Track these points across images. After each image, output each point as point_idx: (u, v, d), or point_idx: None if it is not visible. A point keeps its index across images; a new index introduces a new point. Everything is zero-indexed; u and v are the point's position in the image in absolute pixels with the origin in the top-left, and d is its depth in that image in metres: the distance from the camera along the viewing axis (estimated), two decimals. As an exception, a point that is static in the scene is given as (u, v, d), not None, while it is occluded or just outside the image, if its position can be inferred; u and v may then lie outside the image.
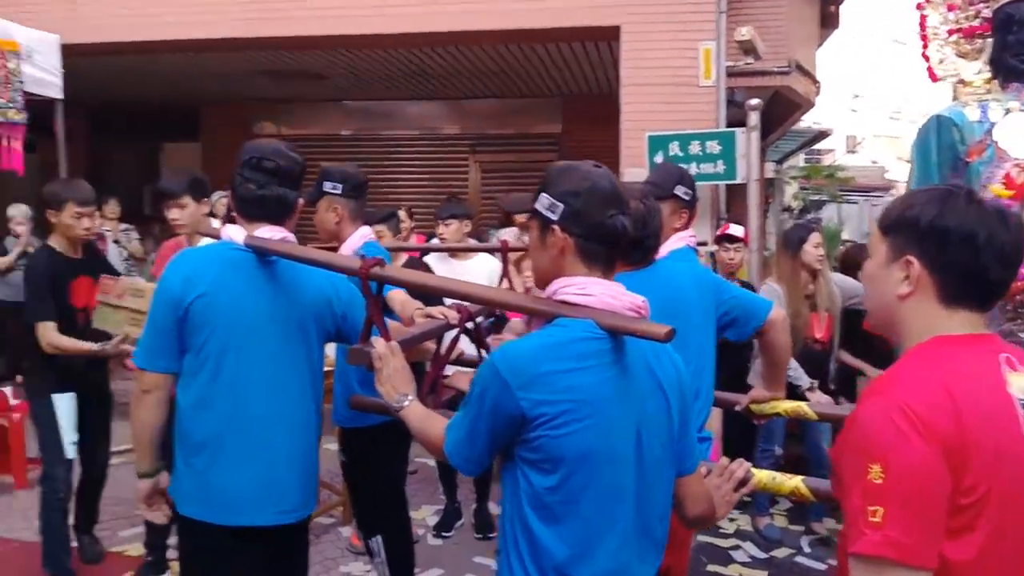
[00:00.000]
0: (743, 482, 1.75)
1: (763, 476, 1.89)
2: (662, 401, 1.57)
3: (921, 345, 1.27)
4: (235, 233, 2.16)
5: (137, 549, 3.97)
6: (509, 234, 5.05)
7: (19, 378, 6.80)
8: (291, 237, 2.22)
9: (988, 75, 3.43)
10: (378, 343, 1.80)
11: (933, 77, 3.74)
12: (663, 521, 1.59)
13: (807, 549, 4.32)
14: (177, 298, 2.07)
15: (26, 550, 3.97)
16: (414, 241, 6.27)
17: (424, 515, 4.56)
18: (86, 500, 3.88)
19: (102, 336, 3.47)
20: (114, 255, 7.14)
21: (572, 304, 1.52)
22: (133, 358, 2.21)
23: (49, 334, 3.42)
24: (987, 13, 3.43)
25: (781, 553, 4.23)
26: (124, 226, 7.72)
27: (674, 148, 6.12)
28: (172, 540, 3.72)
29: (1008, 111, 3.32)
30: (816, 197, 19.00)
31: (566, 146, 9.54)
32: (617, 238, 1.55)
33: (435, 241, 5.87)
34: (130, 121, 10.53)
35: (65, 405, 3.56)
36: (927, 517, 1.09)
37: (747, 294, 2.65)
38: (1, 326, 7.11)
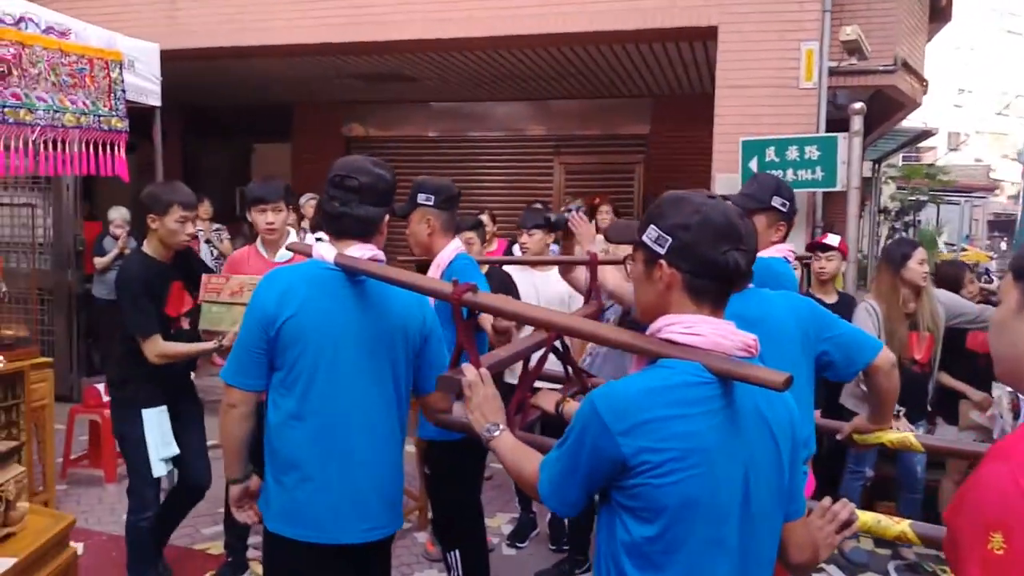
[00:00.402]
0: (846, 523, 1.63)
1: (868, 519, 1.79)
2: (772, 447, 1.47)
3: None
4: (326, 251, 2.16)
5: (218, 548, 4.03)
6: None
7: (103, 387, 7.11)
8: (380, 255, 2.21)
9: None
10: (468, 370, 1.76)
11: None
12: (770, 567, 1.50)
13: (894, 575, 4.16)
14: (270, 317, 2.09)
15: (114, 543, 4.09)
16: (496, 246, 6.23)
17: (499, 523, 4.52)
18: (173, 514, 3.64)
19: (198, 338, 3.40)
20: (205, 255, 7.36)
21: (679, 344, 1.43)
22: (220, 373, 2.22)
23: (158, 347, 3.30)
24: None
25: (867, 578, 4.07)
26: (216, 226, 7.90)
27: (770, 154, 5.89)
28: (252, 540, 3.79)
29: None
30: (914, 198, 18.14)
31: (654, 148, 9.33)
32: (729, 275, 1.45)
33: (516, 248, 5.81)
34: (223, 122, 10.86)
35: (155, 420, 3.39)
36: None
37: (852, 332, 2.40)
38: (96, 323, 7.45)
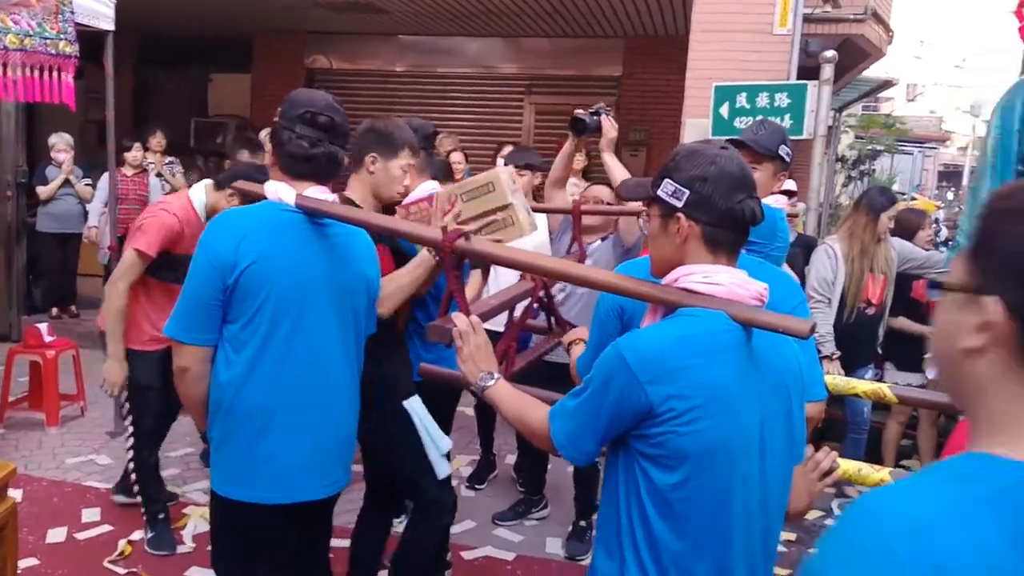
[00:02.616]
0: (828, 472, 1.69)
1: (849, 467, 1.85)
2: (784, 395, 1.50)
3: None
4: (284, 193, 2.02)
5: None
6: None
7: (55, 310, 6.87)
8: (337, 199, 2.14)
9: None
10: (459, 319, 1.72)
11: None
12: (781, 514, 1.54)
13: (838, 512, 4.28)
14: (228, 264, 1.93)
15: (56, 489, 4.03)
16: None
17: (458, 465, 4.50)
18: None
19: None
20: (156, 190, 7.11)
21: (701, 294, 1.46)
22: (165, 329, 2.04)
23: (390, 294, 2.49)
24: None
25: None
26: (169, 159, 7.62)
27: (741, 100, 5.92)
28: (202, 484, 3.78)
29: None
30: (871, 147, 18.41)
31: (626, 90, 9.29)
32: (745, 224, 1.48)
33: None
34: (179, 50, 10.45)
35: (420, 409, 2.71)
36: None
37: (811, 365, 2.13)
38: (39, 257, 7.20)
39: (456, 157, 6.07)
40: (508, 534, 3.84)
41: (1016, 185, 0.84)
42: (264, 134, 7.03)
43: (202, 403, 2.07)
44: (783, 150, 2.66)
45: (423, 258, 2.34)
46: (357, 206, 2.46)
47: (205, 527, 3.42)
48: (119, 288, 3.22)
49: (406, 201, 2.03)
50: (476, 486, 4.36)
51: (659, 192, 1.50)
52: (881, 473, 1.86)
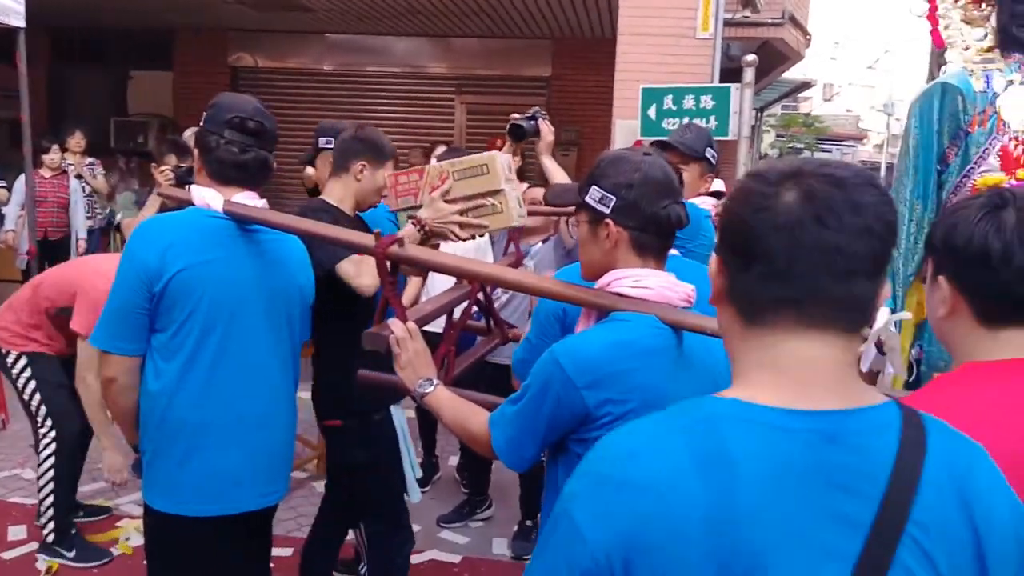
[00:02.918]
0: None
1: None
2: (712, 391, 1.55)
3: (947, 376, 1.23)
4: (211, 199, 1.98)
5: (104, 501, 3.95)
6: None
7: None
8: (267, 204, 2.11)
9: (990, 43, 3.43)
10: (395, 325, 1.69)
11: (939, 42, 3.72)
12: None
13: None
14: (154, 272, 1.88)
15: None
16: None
17: None
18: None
19: None
20: (77, 192, 6.89)
21: (632, 298, 1.50)
22: (91, 339, 1.99)
23: (366, 270, 2.33)
24: (996, -22, 3.40)
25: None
26: (89, 160, 7.35)
27: (668, 102, 6.06)
28: (135, 496, 3.59)
29: (1010, 83, 3.34)
30: (792, 146, 19.06)
31: (556, 91, 9.39)
32: (671, 228, 1.53)
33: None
34: (96, 47, 10.11)
35: (403, 421, 2.62)
36: None
37: None
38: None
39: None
40: (453, 536, 3.82)
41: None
42: (188, 135, 6.91)
43: (131, 415, 2.02)
44: (709, 152, 2.75)
45: (409, 233, 2.14)
46: (338, 210, 2.46)
47: (140, 540, 3.30)
48: (89, 382, 3.04)
49: (211, 214, 1.99)
50: (420, 489, 4.32)
51: (587, 199, 1.53)
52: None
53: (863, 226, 0.84)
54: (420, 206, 2.14)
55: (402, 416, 2.60)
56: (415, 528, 3.79)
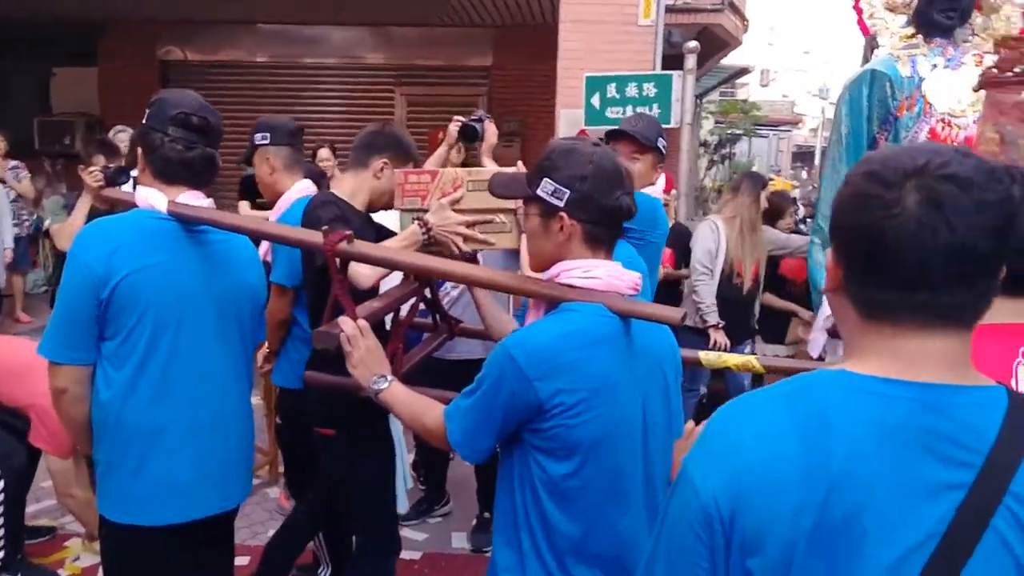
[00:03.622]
0: None
1: None
2: (660, 376, 1.58)
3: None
4: (155, 200, 1.92)
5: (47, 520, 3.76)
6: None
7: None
8: (213, 204, 2.06)
9: (912, 30, 3.49)
10: (346, 323, 1.69)
11: (864, 30, 3.78)
12: (666, 486, 1.61)
13: None
14: (100, 278, 1.83)
15: None
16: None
17: None
18: None
19: None
20: (1, 197, 6.57)
21: (581, 288, 1.51)
22: (39, 349, 1.92)
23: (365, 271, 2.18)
24: (917, -35, 3.47)
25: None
26: (12, 163, 7.01)
27: (611, 90, 6.02)
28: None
29: (935, 66, 3.40)
30: (731, 132, 19.31)
31: (497, 80, 9.29)
32: (622, 219, 1.53)
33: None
34: (14, 42, 9.58)
35: (399, 432, 2.51)
36: None
37: None
38: None
39: (324, 154, 5.84)
40: (412, 533, 3.77)
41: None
42: (114, 134, 6.60)
43: (84, 426, 1.97)
44: (660, 142, 2.72)
45: (412, 232, 2.05)
46: (348, 205, 2.34)
47: (91, 560, 3.25)
48: (76, 495, 3.06)
49: (155, 215, 1.91)
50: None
51: (539, 192, 1.51)
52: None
53: (988, 225, 0.84)
54: (426, 209, 2.05)
55: (399, 426, 2.48)
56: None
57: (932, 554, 0.83)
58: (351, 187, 2.41)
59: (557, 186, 1.48)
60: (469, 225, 2.01)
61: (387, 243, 2.13)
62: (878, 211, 0.87)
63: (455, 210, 2.02)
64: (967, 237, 0.84)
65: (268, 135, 2.95)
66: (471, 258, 2.10)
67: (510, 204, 1.98)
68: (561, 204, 1.48)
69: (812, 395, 0.90)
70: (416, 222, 2.04)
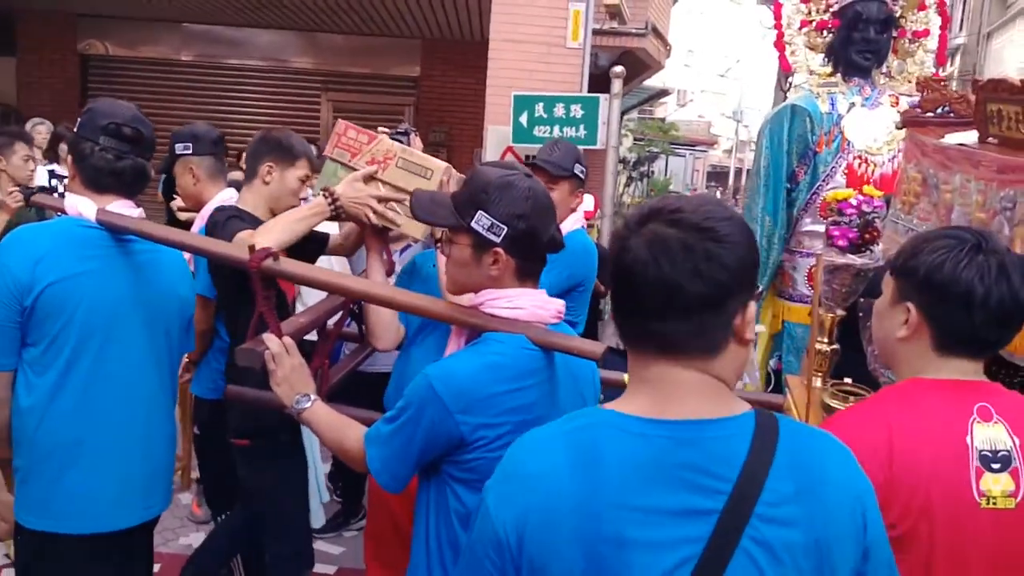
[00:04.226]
0: None
1: None
2: (580, 403, 1.57)
3: (893, 386, 1.36)
4: (84, 207, 1.92)
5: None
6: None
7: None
8: (143, 213, 2.07)
9: (830, 68, 3.73)
10: (271, 341, 1.64)
11: (785, 66, 4.01)
12: None
13: None
14: (24, 285, 1.82)
15: None
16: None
17: None
18: None
19: None
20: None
21: (505, 319, 1.50)
22: None
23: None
24: (837, 8, 3.69)
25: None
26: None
27: (539, 109, 6.15)
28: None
29: (852, 105, 3.65)
30: (649, 150, 19.84)
31: (424, 91, 9.37)
32: (554, 252, 1.54)
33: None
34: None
35: (312, 440, 2.53)
36: None
37: None
38: None
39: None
40: (328, 547, 3.75)
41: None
42: (32, 126, 6.41)
43: (5, 430, 1.93)
44: (578, 168, 2.81)
45: (319, 203, 2.08)
46: (253, 217, 2.34)
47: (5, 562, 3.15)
48: None
49: (83, 223, 1.93)
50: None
51: (473, 224, 1.47)
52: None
53: (690, 268, 0.96)
54: (350, 166, 2.10)
55: (314, 440, 2.50)
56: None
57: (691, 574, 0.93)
58: (251, 200, 2.43)
59: (495, 221, 1.45)
60: (382, 201, 2.05)
61: (291, 212, 2.17)
62: (617, 248, 1.01)
63: (378, 180, 2.07)
64: (671, 276, 0.95)
65: (191, 145, 2.89)
66: (381, 232, 2.13)
67: (432, 187, 2.01)
68: (498, 240, 1.45)
69: (588, 434, 1.00)
70: (323, 192, 2.07)
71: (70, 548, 1.93)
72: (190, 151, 2.89)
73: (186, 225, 3.14)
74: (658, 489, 0.94)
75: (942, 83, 2.45)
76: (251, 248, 1.80)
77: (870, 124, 3.60)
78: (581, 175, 2.81)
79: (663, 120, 23.34)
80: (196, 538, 3.68)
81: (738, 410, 1.01)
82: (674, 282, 0.95)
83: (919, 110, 2.34)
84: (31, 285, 1.82)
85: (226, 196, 2.94)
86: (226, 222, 2.23)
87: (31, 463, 1.92)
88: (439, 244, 1.97)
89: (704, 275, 0.95)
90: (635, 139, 19.61)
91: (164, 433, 2.13)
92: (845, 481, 1.01)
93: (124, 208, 1.98)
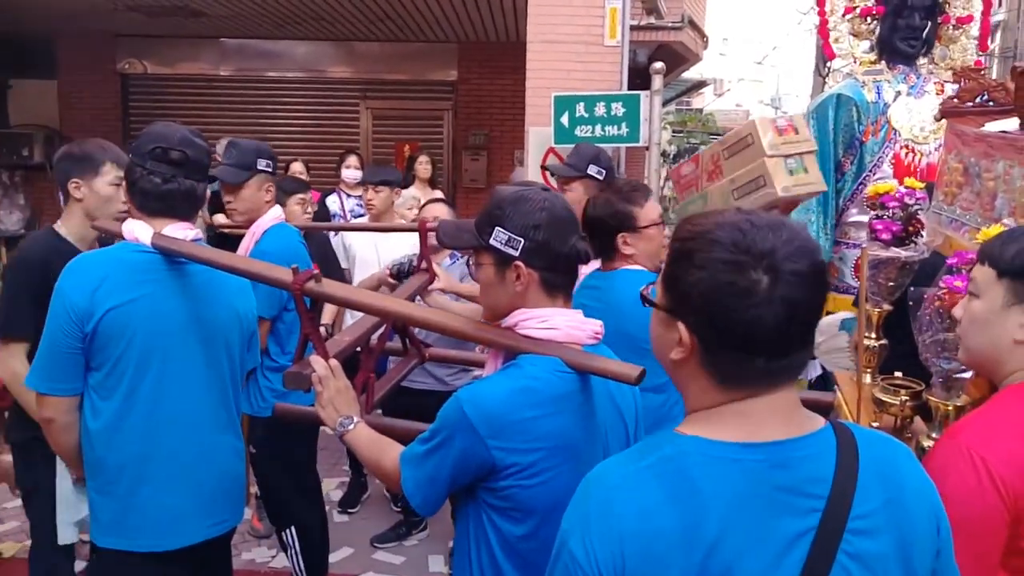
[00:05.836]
0: None
1: None
2: (621, 427, 1.55)
3: (1013, 387, 1.29)
4: (140, 232, 1.97)
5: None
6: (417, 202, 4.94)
7: None
8: (201, 235, 2.10)
9: (875, 55, 3.63)
10: (317, 363, 1.67)
11: (830, 54, 3.90)
12: None
13: None
14: (84, 312, 1.87)
15: None
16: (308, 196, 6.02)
17: (327, 489, 4.27)
18: None
19: None
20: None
21: (539, 340, 1.48)
22: (26, 380, 1.96)
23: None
24: (883, -6, 3.60)
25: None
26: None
27: (580, 109, 6.09)
28: None
29: (898, 93, 3.54)
30: (689, 142, 19.62)
31: (462, 95, 9.34)
32: (580, 263, 1.53)
33: (330, 200, 5.66)
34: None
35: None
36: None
37: None
38: None
39: (297, 167, 5.86)
40: (389, 557, 3.77)
41: (694, 228, 1.01)
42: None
43: (75, 453, 2.02)
44: (593, 169, 2.75)
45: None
46: (67, 242, 2.44)
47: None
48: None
49: (140, 248, 1.96)
50: (349, 510, 4.19)
51: (491, 241, 1.48)
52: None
53: (813, 297, 0.99)
54: (704, 196, 2.21)
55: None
56: (349, 551, 3.77)
57: None
58: (72, 223, 2.50)
59: (511, 235, 1.46)
60: (738, 199, 2.17)
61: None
62: (740, 295, 0.95)
63: (729, 179, 2.22)
64: (809, 320, 1.00)
65: (271, 163, 2.92)
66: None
67: (761, 154, 2.06)
68: (516, 253, 1.46)
69: (677, 464, 0.97)
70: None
71: (143, 566, 1.99)
72: (271, 168, 2.92)
73: (235, 240, 3.14)
74: (759, 514, 0.94)
75: (980, 71, 2.42)
76: (294, 270, 1.82)
77: (916, 113, 3.52)
78: (597, 175, 2.76)
79: (700, 111, 23.07)
80: (259, 552, 3.75)
81: (817, 425, 1.02)
82: (808, 326, 1.00)
83: (956, 100, 2.31)
84: (91, 311, 1.88)
85: (276, 214, 2.96)
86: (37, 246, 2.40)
87: (101, 484, 1.99)
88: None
89: (821, 309, 1.00)
90: (674, 131, 19.42)
91: (231, 448, 2.17)
92: (920, 486, 1.03)
93: (179, 231, 2.01)
